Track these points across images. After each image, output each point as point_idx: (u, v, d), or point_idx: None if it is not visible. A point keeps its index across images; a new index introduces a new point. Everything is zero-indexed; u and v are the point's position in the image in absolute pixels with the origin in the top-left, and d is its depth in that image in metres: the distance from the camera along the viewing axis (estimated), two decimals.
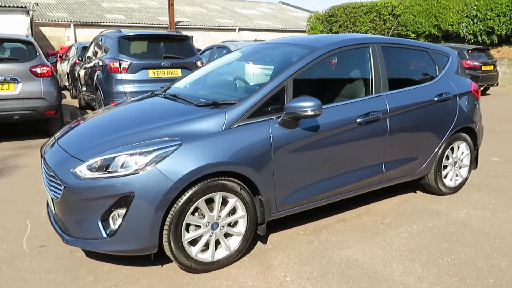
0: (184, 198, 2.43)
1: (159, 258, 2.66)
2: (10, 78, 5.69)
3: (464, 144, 3.95)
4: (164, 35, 7.43)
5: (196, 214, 2.55)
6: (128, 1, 28.37)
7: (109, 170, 2.38)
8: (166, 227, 2.43)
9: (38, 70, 5.90)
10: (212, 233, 2.62)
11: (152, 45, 7.09)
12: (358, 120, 3.08)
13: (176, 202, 2.42)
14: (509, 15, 15.61)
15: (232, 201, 2.63)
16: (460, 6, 16.93)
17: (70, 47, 13.06)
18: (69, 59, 11.89)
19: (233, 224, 2.73)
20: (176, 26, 23.41)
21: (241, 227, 2.72)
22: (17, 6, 17.21)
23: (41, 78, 5.93)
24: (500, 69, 14.28)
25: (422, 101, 3.48)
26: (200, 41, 25.70)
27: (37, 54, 6.03)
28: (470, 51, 12.16)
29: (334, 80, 3.49)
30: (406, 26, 18.92)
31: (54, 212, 2.70)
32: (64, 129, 3.10)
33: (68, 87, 11.90)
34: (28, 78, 5.82)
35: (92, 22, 22.37)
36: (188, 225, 2.54)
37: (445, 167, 3.90)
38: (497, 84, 12.72)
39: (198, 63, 7.07)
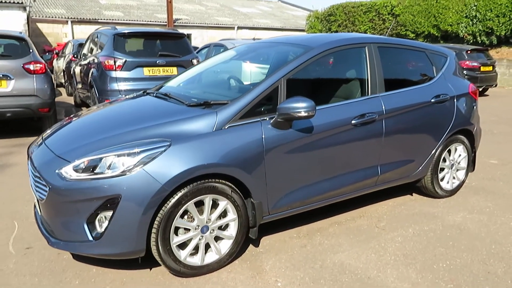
0: (173, 200, 2.36)
1: (148, 261, 2.59)
2: (2, 75, 5.60)
3: (462, 146, 3.89)
4: (160, 32, 7.35)
5: (186, 217, 2.48)
6: None
7: (96, 171, 2.31)
8: (154, 230, 2.36)
9: (31, 67, 5.81)
10: (202, 236, 2.55)
11: (147, 42, 7.01)
12: (353, 122, 3.01)
13: (164, 205, 2.36)
14: (508, 16, 15.56)
15: (223, 203, 2.57)
16: (459, 6, 16.88)
17: (66, 44, 12.96)
18: (65, 56, 11.79)
19: (223, 227, 2.67)
20: (175, 24, 23.30)
21: (232, 230, 2.65)
22: (14, 2, 17.07)
23: (34, 75, 5.85)
24: (499, 70, 14.23)
25: (418, 103, 3.42)
26: (199, 39, 25.61)
27: (30, 50, 5.95)
28: (469, 52, 12.11)
29: (329, 80, 3.42)
30: (405, 26, 18.86)
31: (40, 213, 2.63)
32: (52, 128, 3.03)
33: (64, 84, 11.80)
34: (21, 75, 5.73)
35: (89, 18, 22.24)
36: (177, 228, 2.47)
37: (442, 169, 3.84)
38: (496, 85, 12.68)
39: (194, 61, 6.99)
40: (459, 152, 3.90)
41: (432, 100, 3.52)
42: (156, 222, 2.35)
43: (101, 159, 2.34)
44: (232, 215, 2.62)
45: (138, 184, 2.27)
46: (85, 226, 2.33)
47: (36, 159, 2.62)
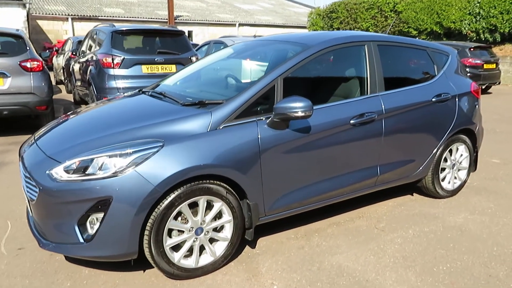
0: (166, 202, 2.31)
1: (141, 263, 2.54)
2: None
3: (463, 146, 3.82)
4: (158, 30, 7.27)
5: (179, 218, 2.43)
6: None
7: (87, 172, 2.26)
8: (146, 232, 2.31)
9: (28, 64, 5.76)
10: (196, 238, 2.50)
11: (146, 40, 6.94)
12: (352, 121, 2.94)
13: (157, 207, 2.30)
14: None
15: (218, 205, 2.51)
16: (462, 3, 16.74)
17: (66, 41, 12.91)
18: (64, 53, 11.74)
19: (219, 229, 2.61)
20: (176, 21, 23.24)
21: (227, 232, 2.60)
22: None
23: (31, 73, 5.80)
24: (503, 68, 14.10)
25: (419, 102, 3.35)
26: (200, 36, 25.55)
27: (27, 48, 5.89)
28: (472, 49, 12.00)
29: (328, 79, 3.35)
30: (407, 23, 18.74)
31: (31, 214, 2.58)
32: (44, 127, 2.97)
33: (64, 81, 11.75)
34: (18, 72, 5.68)
35: (90, 15, 22.20)
36: (170, 230, 2.42)
37: (443, 169, 3.77)
38: (499, 83, 12.56)
39: (193, 58, 6.92)
40: (461, 152, 3.83)
41: (433, 99, 3.45)
42: (148, 224, 2.30)
43: (92, 159, 2.29)
44: (227, 216, 2.56)
45: (130, 185, 2.22)
46: (76, 228, 2.28)
47: (27, 159, 2.57)
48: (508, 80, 14.99)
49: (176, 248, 2.47)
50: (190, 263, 2.50)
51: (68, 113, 3.23)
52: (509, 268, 2.69)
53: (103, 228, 2.25)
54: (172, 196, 2.32)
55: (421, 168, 3.53)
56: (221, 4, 31.55)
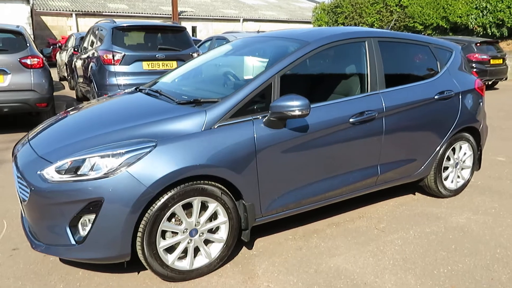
0: (159, 203, 2.26)
1: (136, 264, 2.50)
2: None
3: (467, 144, 3.73)
4: (159, 26, 7.21)
5: (173, 220, 2.38)
6: None
7: (79, 172, 2.21)
8: (139, 234, 2.27)
9: (28, 61, 5.73)
10: (191, 240, 2.45)
11: (147, 36, 6.89)
12: (351, 120, 2.88)
13: (150, 208, 2.26)
14: None
15: (213, 206, 2.46)
16: None
17: (69, 37, 12.89)
18: (68, 49, 11.72)
19: (214, 230, 2.56)
20: (180, 16, 23.15)
21: (223, 233, 2.55)
22: None
23: (32, 70, 5.76)
24: (510, 63, 13.86)
25: (421, 99, 3.27)
26: (204, 31, 25.46)
27: (27, 44, 5.86)
28: (478, 44, 11.81)
29: (327, 76, 3.28)
30: (413, 18, 18.51)
31: (24, 215, 2.54)
32: (38, 126, 2.93)
33: (67, 77, 11.75)
34: (18, 69, 5.65)
35: (94, 11, 22.17)
36: (164, 232, 2.37)
37: (446, 168, 3.69)
38: (506, 78, 12.37)
39: (194, 55, 6.86)
40: (464, 151, 3.75)
41: (436, 97, 3.36)
42: (141, 226, 2.26)
43: (84, 160, 2.24)
44: (222, 217, 2.51)
45: (122, 186, 2.17)
46: (68, 230, 2.24)
47: (20, 159, 2.53)
48: None
49: (170, 249, 2.43)
50: (184, 265, 2.46)
51: (63, 111, 3.19)
52: None
53: (95, 229, 2.21)
54: (166, 197, 2.27)
55: (423, 167, 3.45)
56: (225, 0, 31.40)
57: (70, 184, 2.20)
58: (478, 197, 3.82)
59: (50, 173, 2.24)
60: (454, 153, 3.69)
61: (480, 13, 16.29)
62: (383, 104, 3.05)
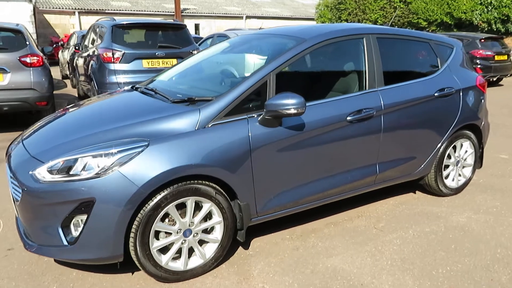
0: (152, 203, 2.23)
1: (130, 265, 2.47)
2: None
3: (468, 142, 3.67)
4: (159, 23, 7.17)
5: (167, 220, 2.35)
6: None
7: (71, 172, 2.19)
8: (132, 234, 2.24)
9: (28, 59, 5.72)
10: (185, 240, 2.42)
11: (147, 34, 6.85)
12: (348, 118, 2.83)
13: (142, 208, 2.23)
14: None
15: (207, 206, 2.43)
16: None
17: (71, 35, 12.90)
18: (69, 48, 11.72)
19: (209, 231, 2.53)
20: (182, 14, 23.13)
21: (218, 233, 2.52)
22: None
23: (31, 68, 5.76)
24: None
25: (421, 97, 3.21)
26: (207, 29, 25.40)
27: (27, 43, 5.84)
28: (482, 40, 11.67)
29: (324, 74, 3.23)
30: (417, 14, 18.36)
31: (17, 215, 2.53)
32: (33, 126, 2.91)
33: (69, 76, 11.75)
34: (17, 68, 5.64)
35: (97, 9, 22.18)
36: (157, 232, 2.34)
37: (447, 166, 3.64)
38: (511, 75, 12.23)
39: (195, 52, 6.82)
40: (465, 148, 3.69)
41: (436, 94, 3.30)
42: (134, 226, 2.23)
43: (76, 159, 2.22)
44: (217, 217, 2.48)
45: (113, 186, 2.14)
46: (60, 230, 2.22)
47: (13, 159, 2.51)
48: None
49: (164, 250, 2.40)
50: (178, 265, 2.43)
51: (58, 110, 3.17)
52: None
53: (87, 230, 2.18)
54: (158, 197, 2.24)
55: (423, 165, 3.40)
56: None
57: (62, 184, 2.17)
58: (479, 195, 3.76)
59: (41, 173, 2.22)
60: (455, 151, 3.63)
61: (485, 9, 16.12)
62: (382, 102, 3.00)
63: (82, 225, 2.20)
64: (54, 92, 10.20)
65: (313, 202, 2.88)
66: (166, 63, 6.59)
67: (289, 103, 2.41)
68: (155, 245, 2.32)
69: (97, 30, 7.39)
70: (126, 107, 2.82)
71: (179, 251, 2.44)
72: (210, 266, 2.53)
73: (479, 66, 11.23)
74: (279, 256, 2.74)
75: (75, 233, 2.23)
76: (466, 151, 3.70)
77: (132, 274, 2.52)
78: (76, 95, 9.71)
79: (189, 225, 2.41)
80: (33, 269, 2.57)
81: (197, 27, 25.88)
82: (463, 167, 3.76)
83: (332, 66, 3.23)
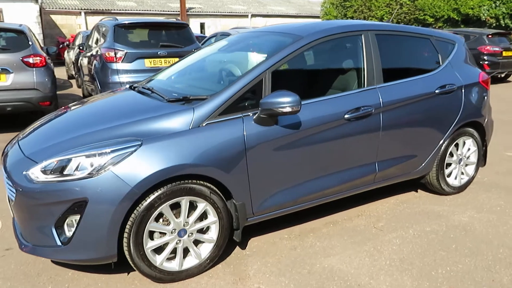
0: (145, 203, 2.22)
1: (126, 265, 2.45)
2: (1, 69, 5.56)
3: (471, 139, 3.61)
4: (161, 23, 7.17)
5: (161, 220, 2.34)
6: None
7: (64, 172, 2.18)
8: (125, 235, 2.23)
9: (31, 60, 5.75)
10: (180, 240, 2.40)
11: (149, 33, 6.85)
12: (346, 116, 2.79)
13: (136, 208, 2.21)
14: None
15: (202, 206, 2.41)
16: None
17: (76, 35, 12.97)
18: (75, 48, 11.79)
19: (205, 230, 2.51)
20: (188, 13, 23.15)
21: (213, 233, 2.50)
22: None
23: (34, 69, 5.78)
24: None
25: (421, 94, 3.16)
26: (212, 28, 25.40)
27: (30, 43, 5.87)
28: (490, 36, 11.51)
29: (321, 72, 3.19)
30: (423, 10, 18.15)
31: (12, 215, 2.53)
32: (30, 126, 2.91)
33: (74, 76, 11.83)
34: (20, 68, 5.67)
35: (103, 9, 22.28)
36: (152, 232, 2.33)
37: (449, 165, 3.58)
38: None
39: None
40: (468, 146, 3.63)
41: (437, 91, 3.25)
42: (127, 226, 2.22)
43: (70, 159, 2.21)
44: (212, 217, 2.46)
45: (106, 186, 2.13)
46: (53, 230, 2.21)
47: (9, 159, 2.51)
48: None
49: (159, 250, 2.38)
50: (173, 266, 2.41)
51: (56, 111, 3.17)
52: None
53: (80, 230, 2.17)
54: (152, 197, 2.23)
55: (424, 164, 3.34)
56: None
57: (55, 185, 2.17)
58: (483, 194, 3.69)
59: (35, 173, 2.21)
60: (457, 149, 3.57)
61: (493, 4, 15.88)
62: (380, 100, 2.95)
63: (75, 226, 2.19)
64: (60, 92, 10.30)
65: (311, 201, 2.85)
66: (168, 62, 6.58)
67: (284, 101, 2.38)
68: (149, 245, 2.30)
69: (100, 30, 7.42)
70: (121, 106, 2.81)
71: (174, 251, 2.42)
72: (205, 266, 2.51)
73: (486, 62, 11.08)
74: (276, 256, 2.71)
75: (68, 233, 2.22)
76: (469, 149, 3.64)
77: (128, 274, 2.51)
78: (81, 95, 9.77)
79: (184, 225, 2.39)
80: (29, 270, 2.57)
81: (202, 26, 25.90)
82: (466, 165, 3.69)
83: (330, 63, 3.18)
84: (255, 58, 3.04)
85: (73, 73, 12.23)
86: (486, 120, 3.64)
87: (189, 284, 2.42)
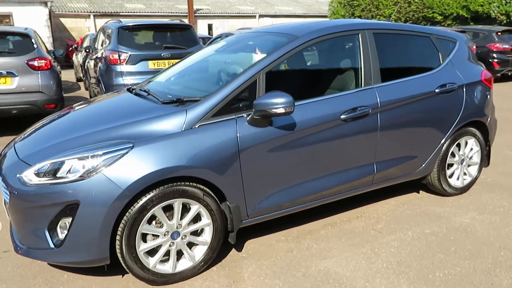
0: (137, 206, 2.22)
1: (121, 267, 2.45)
2: (7, 72, 5.62)
3: (473, 139, 3.54)
4: (165, 24, 7.20)
5: (154, 222, 2.33)
6: None
7: (57, 175, 2.19)
8: (118, 237, 2.23)
9: (36, 63, 5.81)
10: (173, 242, 2.40)
11: (152, 35, 6.88)
12: (342, 116, 2.75)
13: (128, 211, 2.21)
14: None
15: (195, 208, 2.40)
16: None
17: (84, 38, 13.11)
18: (82, 50, 11.90)
19: (199, 233, 2.50)
20: (195, 14, 23.23)
21: (207, 235, 2.49)
22: None
23: (39, 72, 5.84)
24: None
25: (420, 93, 3.10)
26: (220, 29, 25.45)
27: (35, 46, 5.94)
28: (499, 33, 11.31)
29: (317, 72, 3.16)
30: (432, 8, 17.94)
31: (8, 217, 2.55)
32: (27, 129, 2.93)
33: (82, 78, 11.95)
34: (25, 71, 5.74)
35: (111, 12, 22.47)
36: (145, 235, 2.33)
37: (451, 165, 3.51)
38: None
39: None
40: (471, 146, 3.56)
41: (437, 90, 3.19)
42: (119, 229, 2.22)
43: (63, 162, 2.22)
44: (206, 219, 2.45)
45: (97, 189, 2.13)
46: (46, 233, 2.23)
47: (5, 162, 2.53)
48: None
49: (152, 252, 2.38)
50: (167, 268, 2.41)
51: (53, 114, 3.19)
52: None
53: (72, 233, 2.18)
54: (144, 199, 2.23)
55: (424, 164, 3.29)
56: None
57: (48, 187, 2.18)
58: (486, 195, 3.62)
59: (28, 176, 2.23)
60: (459, 149, 3.51)
61: (503, 1, 15.62)
62: (378, 99, 2.91)
63: (68, 228, 2.20)
64: (68, 94, 10.42)
65: (307, 203, 2.82)
66: (172, 63, 6.58)
67: (277, 102, 2.36)
68: (142, 247, 2.30)
69: (105, 32, 7.47)
70: (117, 109, 2.81)
71: (168, 254, 2.42)
72: (199, 269, 2.50)
73: (496, 60, 10.90)
74: (272, 259, 2.69)
75: (61, 235, 2.23)
76: (471, 149, 3.57)
77: (122, 276, 2.51)
78: (89, 97, 9.87)
79: (177, 228, 2.39)
80: (26, 272, 2.59)
81: (210, 27, 25.96)
82: (469, 165, 3.62)
83: (326, 63, 3.15)
84: (251, 58, 3.02)
85: (81, 75, 12.36)
86: (489, 119, 3.57)
87: (182, 287, 2.42)
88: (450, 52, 3.41)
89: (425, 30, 3.36)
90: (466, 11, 16.79)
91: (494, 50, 10.99)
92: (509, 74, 11.58)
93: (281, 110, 2.37)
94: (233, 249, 2.81)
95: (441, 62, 3.35)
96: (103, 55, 6.80)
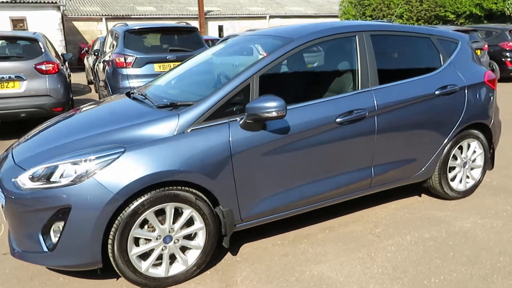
0: (129, 210, 2.23)
1: (115, 271, 2.48)
2: (15, 76, 5.73)
3: (476, 142, 3.47)
4: (170, 27, 7.25)
5: (146, 226, 2.35)
6: None
7: (51, 179, 2.22)
8: (110, 241, 2.25)
9: (43, 67, 5.90)
10: (165, 246, 2.41)
11: (158, 38, 6.94)
12: (338, 120, 2.73)
13: (119, 215, 2.23)
14: None
15: (187, 212, 2.40)
16: None
17: (94, 41, 13.29)
18: (92, 53, 12.07)
19: (192, 236, 2.51)
20: (206, 16, 23.35)
21: (200, 239, 2.49)
22: (48, 2, 17.71)
23: (47, 75, 5.94)
24: None
25: (419, 96, 3.06)
26: (230, 30, 25.51)
27: (43, 50, 6.04)
28: None
29: (313, 75, 3.14)
30: (444, 7, 17.67)
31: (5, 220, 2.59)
32: (26, 134, 2.98)
33: (93, 81, 12.11)
34: (33, 75, 5.84)
35: (123, 15, 22.73)
36: (138, 239, 2.34)
37: (453, 168, 3.45)
38: None
39: None
40: (473, 149, 3.49)
41: (437, 92, 3.14)
42: (111, 233, 2.24)
43: (57, 166, 2.25)
44: (198, 224, 2.45)
45: (89, 193, 2.16)
46: (40, 237, 2.26)
47: (3, 166, 2.57)
48: None
49: (145, 256, 2.40)
50: (159, 272, 2.42)
51: (52, 118, 3.23)
52: None
53: (64, 237, 2.21)
54: (135, 203, 2.24)
55: (424, 167, 3.24)
56: None
57: (41, 192, 2.21)
58: (490, 198, 3.55)
59: (23, 180, 2.26)
60: (461, 152, 3.44)
61: None
62: (375, 102, 2.87)
63: (60, 232, 2.23)
64: (79, 97, 10.57)
65: (302, 207, 2.81)
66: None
67: (270, 106, 2.35)
68: (134, 251, 2.32)
69: (113, 36, 7.56)
70: (114, 113, 2.84)
71: (161, 258, 2.43)
72: (192, 273, 2.50)
73: (509, 59, 10.68)
74: (266, 263, 2.68)
75: (54, 239, 2.26)
76: (474, 152, 3.50)
77: (117, 280, 2.53)
78: (98, 100, 9.99)
79: (169, 232, 2.39)
80: (22, 274, 2.63)
81: (221, 28, 26.06)
82: (472, 168, 3.55)
83: (322, 66, 3.13)
84: (246, 62, 3.01)
85: (92, 78, 12.53)
86: (492, 121, 3.50)
87: None
88: (452, 53, 3.35)
89: (426, 31, 3.31)
90: (480, 9, 16.50)
91: (507, 49, 10.76)
92: None
93: (273, 114, 2.36)
94: (228, 252, 2.81)
95: (442, 63, 3.29)
96: (110, 58, 6.88)
